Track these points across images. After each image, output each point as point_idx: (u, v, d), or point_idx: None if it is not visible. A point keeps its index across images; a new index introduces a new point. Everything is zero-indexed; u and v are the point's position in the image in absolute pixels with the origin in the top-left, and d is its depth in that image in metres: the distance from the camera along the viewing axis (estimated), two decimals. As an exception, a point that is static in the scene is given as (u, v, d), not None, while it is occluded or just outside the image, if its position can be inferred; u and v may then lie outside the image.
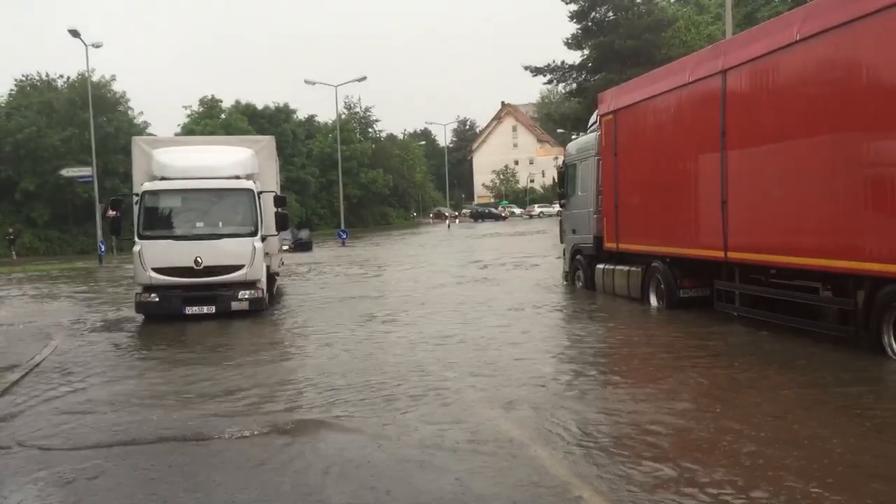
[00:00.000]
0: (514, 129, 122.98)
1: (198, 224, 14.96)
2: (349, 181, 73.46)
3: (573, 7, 39.74)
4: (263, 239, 15.09)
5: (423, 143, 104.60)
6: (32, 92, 53.40)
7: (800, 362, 8.96)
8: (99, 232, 37.40)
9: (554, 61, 40.29)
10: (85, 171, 37.25)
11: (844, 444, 5.96)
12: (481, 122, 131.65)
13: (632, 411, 7.15)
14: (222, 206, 15.14)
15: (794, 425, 6.51)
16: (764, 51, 10.51)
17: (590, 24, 40.01)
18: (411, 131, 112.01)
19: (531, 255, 27.67)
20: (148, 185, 14.94)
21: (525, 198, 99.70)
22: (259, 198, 15.03)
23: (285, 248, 40.49)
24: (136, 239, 14.59)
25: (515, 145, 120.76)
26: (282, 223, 15.47)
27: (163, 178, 14.99)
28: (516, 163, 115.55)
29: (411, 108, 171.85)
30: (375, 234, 62.96)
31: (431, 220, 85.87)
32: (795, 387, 7.84)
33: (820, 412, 6.92)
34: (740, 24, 27.31)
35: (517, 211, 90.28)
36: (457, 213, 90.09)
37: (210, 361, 10.62)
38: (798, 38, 9.77)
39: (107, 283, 25.33)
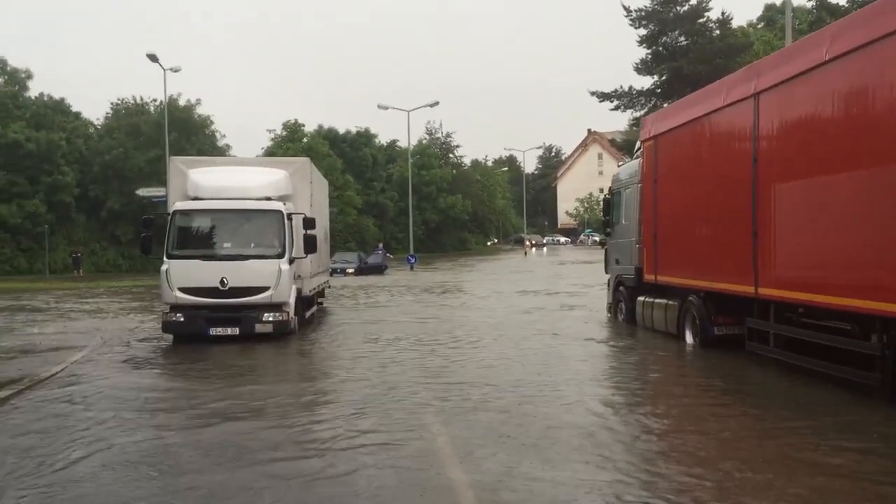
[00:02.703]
0: (600, 156, 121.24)
1: (225, 244, 14.93)
2: (428, 206, 73.83)
3: (643, 32, 38.95)
4: (292, 261, 14.92)
5: (506, 169, 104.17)
6: (125, 115, 55.69)
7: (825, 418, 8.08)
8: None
9: (621, 87, 39.54)
10: (159, 192, 38.30)
11: None
12: (567, 149, 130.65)
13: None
14: (251, 226, 15.09)
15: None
16: (794, 72, 9.71)
17: (660, 48, 39.02)
18: (496, 157, 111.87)
19: (595, 284, 26.82)
20: (179, 205, 15.02)
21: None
22: (290, 220, 14.91)
23: (350, 270, 40.89)
24: (165, 258, 14.62)
25: (601, 173, 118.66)
26: (310, 246, 15.23)
27: (195, 198, 15.06)
28: (601, 191, 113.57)
29: (496, 134, 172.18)
30: (449, 259, 62.76)
31: (518, 246, 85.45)
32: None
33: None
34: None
35: (598, 239, 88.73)
36: (535, 242, 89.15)
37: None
38: (827, 57, 8.96)
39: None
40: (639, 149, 16.26)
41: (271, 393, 9.62)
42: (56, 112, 52.41)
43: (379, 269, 43.20)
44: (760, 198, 10.48)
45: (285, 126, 67.23)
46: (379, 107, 51.83)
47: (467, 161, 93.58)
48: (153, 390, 10.11)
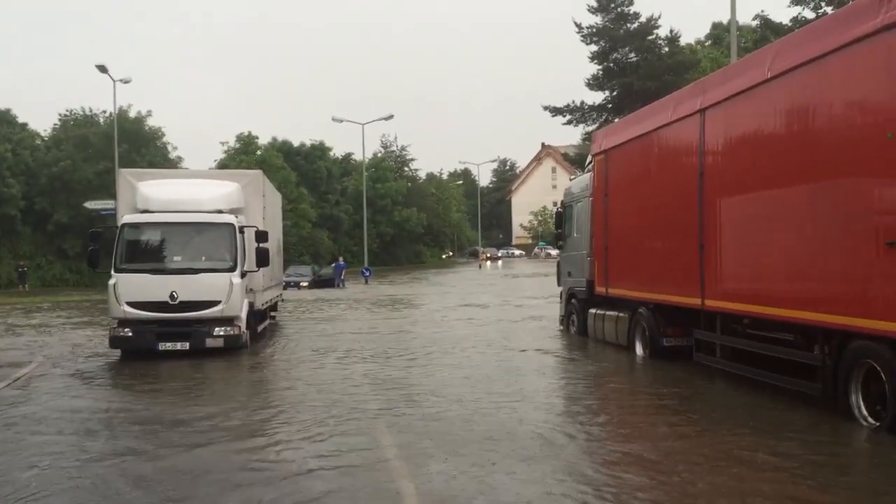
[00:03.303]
0: (554, 170, 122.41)
1: (175, 258, 14.69)
2: (383, 219, 73.72)
3: (594, 48, 39.65)
4: (244, 275, 14.75)
5: (461, 182, 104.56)
6: (73, 126, 54.55)
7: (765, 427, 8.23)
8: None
9: (573, 102, 40.12)
10: (108, 205, 37.54)
11: None
12: (522, 163, 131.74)
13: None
14: (202, 240, 14.89)
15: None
16: (738, 89, 9.96)
17: (611, 64, 39.74)
18: (451, 170, 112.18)
19: (548, 296, 27.04)
20: (127, 218, 14.78)
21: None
22: (242, 233, 14.75)
23: (304, 284, 40.62)
24: (113, 272, 14.33)
25: (555, 186, 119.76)
26: (262, 259, 15.09)
27: (145, 211, 14.83)
28: (554, 204, 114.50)
29: (451, 148, 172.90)
30: (404, 272, 62.66)
31: (473, 259, 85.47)
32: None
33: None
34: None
35: (553, 252, 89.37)
36: (491, 255, 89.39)
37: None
38: (769, 75, 9.22)
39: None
40: (590, 163, 16.49)
41: (222, 413, 9.26)
42: (1, 123, 51.15)
43: (331, 283, 42.76)
44: (707, 212, 10.70)
45: (239, 138, 66.52)
46: (333, 119, 51.65)
47: (422, 174, 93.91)
48: (95, 412, 9.64)
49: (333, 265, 47.49)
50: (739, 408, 9.18)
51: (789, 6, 29.65)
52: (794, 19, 28.85)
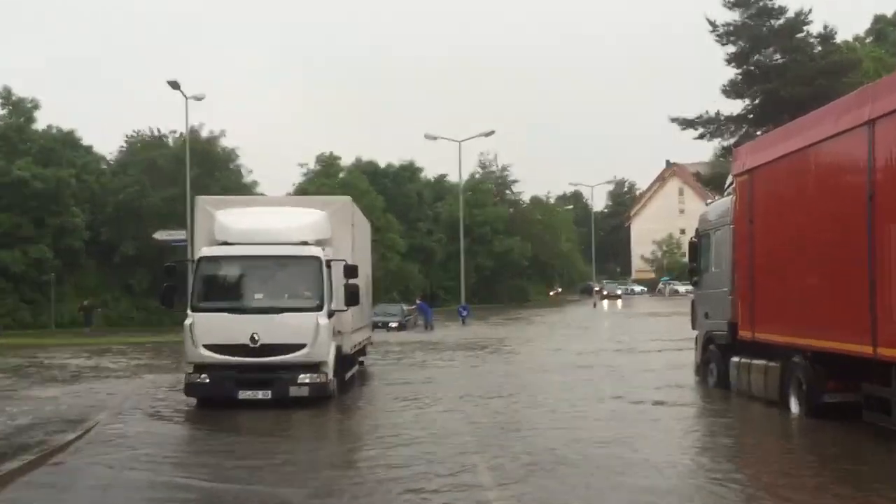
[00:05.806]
0: (681, 192, 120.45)
1: (256, 295, 15.15)
2: (481, 250, 73.75)
3: (731, 49, 39.07)
4: (331, 315, 15.03)
5: (571, 207, 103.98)
6: (140, 149, 56.65)
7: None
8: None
9: (707, 112, 39.50)
10: (179, 235, 38.82)
11: None
12: (642, 184, 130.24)
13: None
14: (285, 275, 15.30)
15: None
16: (918, 95, 9.68)
17: (752, 68, 38.99)
18: (560, 193, 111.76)
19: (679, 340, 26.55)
20: (205, 251, 15.29)
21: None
22: (329, 267, 15.06)
23: (393, 325, 40.97)
24: (189, 311, 14.84)
25: (682, 211, 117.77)
26: (351, 297, 15.32)
27: (223, 243, 15.34)
28: (682, 231, 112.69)
29: (561, 167, 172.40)
30: (506, 311, 62.33)
31: (587, 296, 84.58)
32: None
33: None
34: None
35: (680, 288, 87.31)
36: (608, 292, 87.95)
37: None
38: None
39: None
40: (730, 184, 16.24)
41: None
42: (65, 146, 53.44)
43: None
44: (878, 241, 10.36)
45: (319, 159, 68.11)
46: (426, 136, 51.79)
47: (526, 198, 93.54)
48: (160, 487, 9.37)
49: (417, 305, 47.27)
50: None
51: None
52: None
